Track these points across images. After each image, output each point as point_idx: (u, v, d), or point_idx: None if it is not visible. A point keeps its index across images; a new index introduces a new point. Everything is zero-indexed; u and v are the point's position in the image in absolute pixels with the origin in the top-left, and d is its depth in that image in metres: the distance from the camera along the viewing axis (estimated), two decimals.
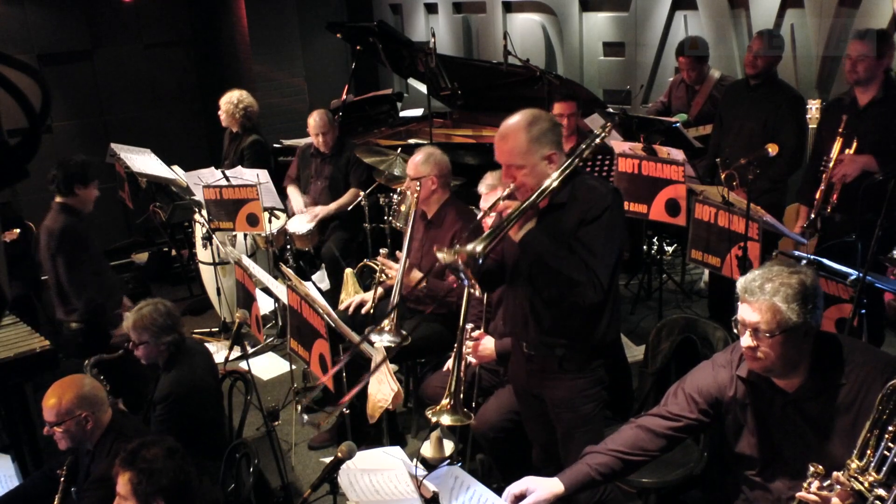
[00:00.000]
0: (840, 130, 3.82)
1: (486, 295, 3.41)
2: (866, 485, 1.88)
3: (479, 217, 2.83)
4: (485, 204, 3.25)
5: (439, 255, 2.33)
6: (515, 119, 2.52)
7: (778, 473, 2.22)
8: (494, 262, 2.71)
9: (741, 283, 2.13)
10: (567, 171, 2.49)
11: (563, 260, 2.44)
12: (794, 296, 2.03)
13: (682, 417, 2.28)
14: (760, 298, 2.05)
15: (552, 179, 2.47)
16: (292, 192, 5.58)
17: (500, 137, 2.53)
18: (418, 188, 3.79)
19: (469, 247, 2.30)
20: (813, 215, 3.92)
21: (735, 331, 2.16)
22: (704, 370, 2.33)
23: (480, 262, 2.31)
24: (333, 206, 5.37)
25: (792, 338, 2.05)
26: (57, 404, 2.76)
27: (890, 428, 1.87)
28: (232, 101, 5.67)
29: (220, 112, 5.74)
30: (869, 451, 1.91)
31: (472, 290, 2.70)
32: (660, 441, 2.29)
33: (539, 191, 2.46)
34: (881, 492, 1.86)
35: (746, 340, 2.10)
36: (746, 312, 2.09)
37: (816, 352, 2.12)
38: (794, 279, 2.05)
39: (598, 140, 2.62)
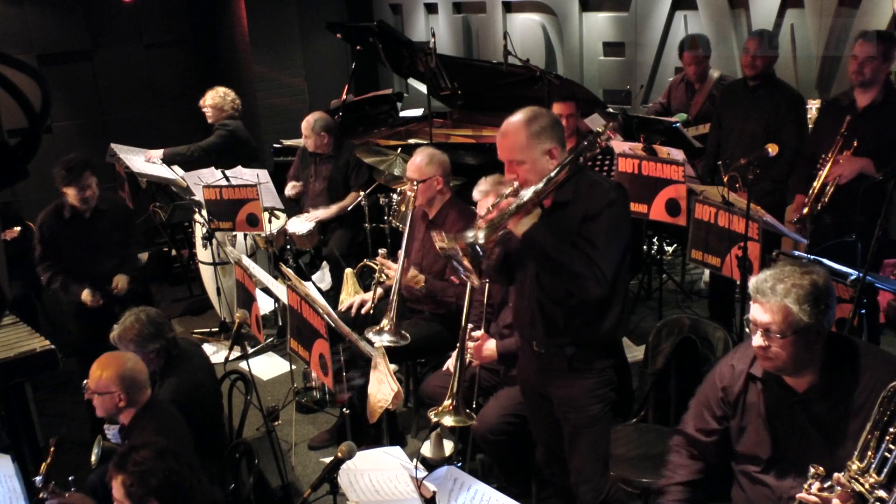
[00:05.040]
0: (842, 131, 3.80)
1: (487, 296, 3.41)
2: (867, 486, 1.88)
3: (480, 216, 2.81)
4: (480, 209, 3.25)
5: (437, 242, 2.35)
6: (516, 116, 2.54)
7: (780, 471, 2.22)
8: (498, 261, 2.71)
9: (753, 283, 2.13)
10: (569, 168, 2.48)
11: (565, 253, 2.43)
12: (805, 297, 2.03)
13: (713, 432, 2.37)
14: (772, 300, 2.06)
15: (555, 172, 2.46)
16: (288, 185, 5.60)
17: (501, 135, 2.55)
18: (416, 188, 3.79)
19: (470, 235, 2.31)
20: (805, 211, 3.91)
21: (748, 329, 2.17)
22: (710, 378, 2.39)
23: (480, 252, 2.31)
24: (334, 209, 5.37)
25: (803, 338, 2.05)
26: (98, 377, 2.91)
27: (891, 429, 1.88)
28: (220, 93, 5.87)
29: (206, 108, 5.86)
30: (870, 453, 1.91)
31: (469, 281, 2.67)
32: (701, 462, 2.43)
33: (542, 183, 2.46)
34: (882, 493, 1.86)
35: (758, 340, 2.11)
36: (758, 313, 2.10)
37: (829, 353, 2.12)
38: (806, 280, 2.05)
39: (600, 139, 2.61)
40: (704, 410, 2.38)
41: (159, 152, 5.91)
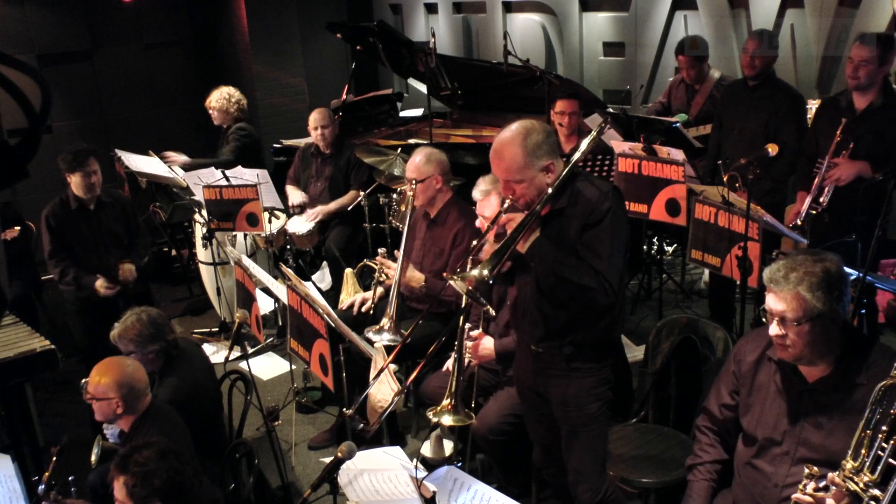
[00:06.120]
0: (838, 134, 3.79)
1: None
2: (861, 485, 1.89)
3: (482, 230, 2.83)
4: (481, 210, 3.24)
5: (451, 284, 2.36)
6: (509, 133, 2.48)
7: (777, 458, 2.24)
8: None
9: (767, 272, 2.16)
10: (564, 175, 2.48)
11: (572, 268, 2.43)
12: (818, 284, 2.06)
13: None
14: (785, 288, 2.08)
15: (552, 188, 2.47)
16: (290, 190, 5.60)
17: (495, 154, 2.50)
18: (414, 187, 3.79)
19: (475, 272, 2.32)
20: (800, 222, 3.90)
21: (764, 319, 2.19)
22: (726, 367, 2.44)
23: (490, 282, 2.32)
24: (333, 205, 5.38)
25: (819, 325, 2.08)
26: (97, 383, 2.90)
27: (883, 428, 1.88)
28: (224, 95, 5.83)
29: (212, 110, 5.82)
30: (863, 451, 1.91)
31: (488, 311, 2.72)
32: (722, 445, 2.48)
33: (540, 201, 2.45)
34: (876, 492, 1.87)
35: (774, 329, 2.14)
36: (772, 302, 2.13)
37: (846, 347, 2.14)
38: (819, 267, 2.08)
39: (592, 139, 2.61)
40: (722, 385, 2.44)
41: (182, 160, 5.85)
